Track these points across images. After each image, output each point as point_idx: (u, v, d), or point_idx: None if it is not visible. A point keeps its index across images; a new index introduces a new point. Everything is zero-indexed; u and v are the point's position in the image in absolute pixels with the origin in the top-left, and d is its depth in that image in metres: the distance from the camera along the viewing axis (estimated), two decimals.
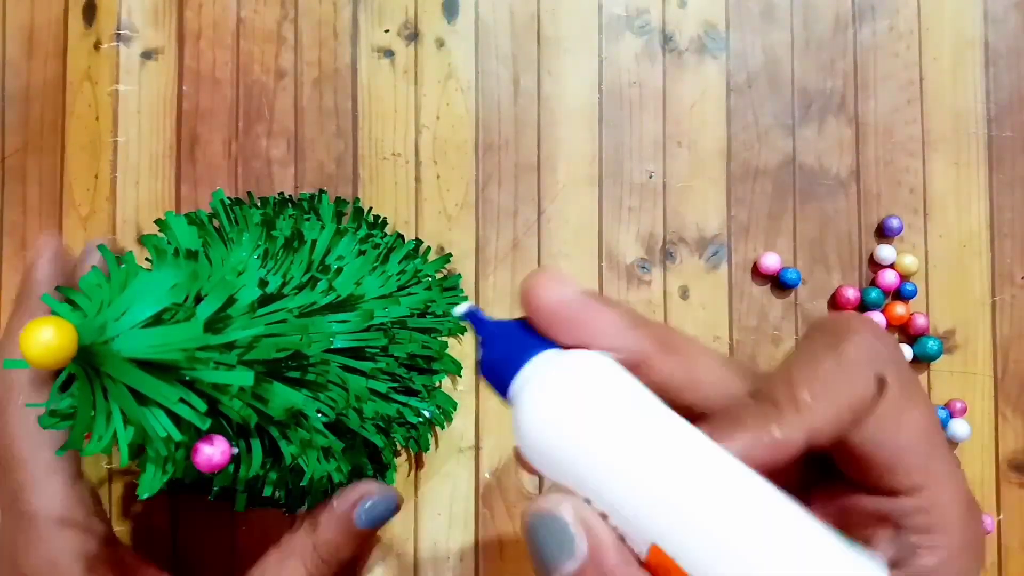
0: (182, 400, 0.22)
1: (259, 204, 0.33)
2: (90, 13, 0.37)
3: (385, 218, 0.35)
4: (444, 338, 0.33)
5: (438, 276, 0.35)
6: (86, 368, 0.21)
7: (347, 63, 0.37)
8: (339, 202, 0.34)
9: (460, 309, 0.20)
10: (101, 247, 0.26)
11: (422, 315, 0.31)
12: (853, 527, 0.18)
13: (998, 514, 0.36)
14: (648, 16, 0.37)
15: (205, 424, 0.22)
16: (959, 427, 0.36)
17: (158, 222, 0.29)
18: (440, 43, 0.37)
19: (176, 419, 0.22)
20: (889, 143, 0.37)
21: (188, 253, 0.25)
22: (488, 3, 0.37)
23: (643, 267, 0.37)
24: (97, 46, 0.37)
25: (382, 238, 0.33)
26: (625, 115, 0.37)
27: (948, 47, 0.38)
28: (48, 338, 0.19)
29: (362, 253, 0.30)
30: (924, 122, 0.37)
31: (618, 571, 0.16)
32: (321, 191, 0.34)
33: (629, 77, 0.37)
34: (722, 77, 0.37)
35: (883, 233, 0.37)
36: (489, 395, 0.36)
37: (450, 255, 0.36)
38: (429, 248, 0.35)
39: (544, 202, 0.37)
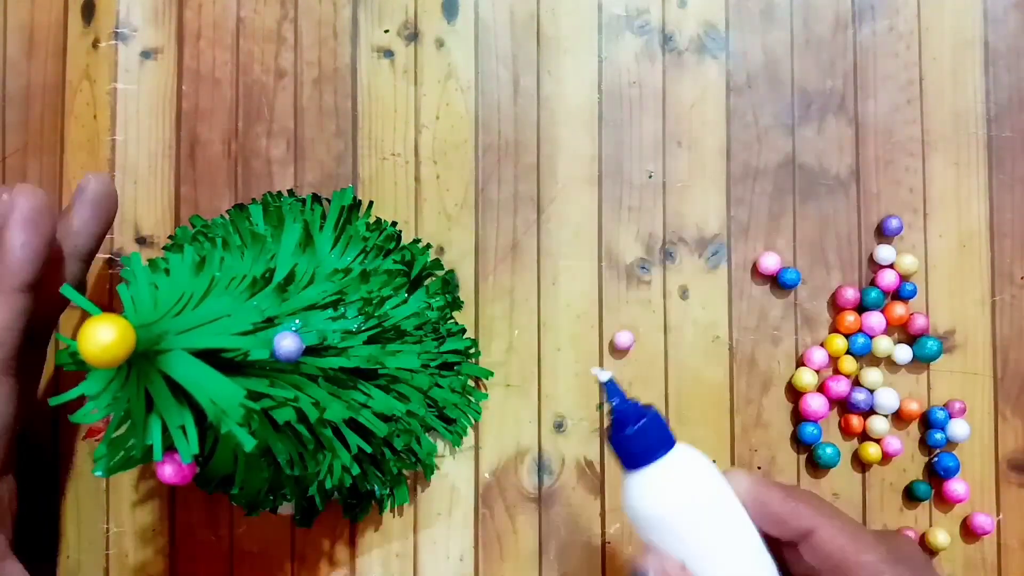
0: (245, 407, 0.22)
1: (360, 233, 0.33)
2: (89, 11, 0.37)
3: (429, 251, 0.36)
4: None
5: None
6: (133, 368, 0.21)
7: (347, 63, 0.37)
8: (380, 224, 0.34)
9: (601, 376, 0.25)
10: (126, 259, 0.26)
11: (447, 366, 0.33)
12: None
13: (998, 514, 0.36)
14: (648, 16, 0.37)
15: (250, 446, 0.22)
16: (959, 427, 0.36)
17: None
18: (440, 43, 0.37)
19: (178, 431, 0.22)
20: (889, 143, 0.37)
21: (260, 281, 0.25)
22: (488, 3, 0.37)
23: (643, 267, 0.37)
24: (95, 44, 0.37)
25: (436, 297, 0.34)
26: (625, 115, 0.37)
27: (948, 47, 0.38)
28: (108, 338, 0.18)
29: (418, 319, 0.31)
30: (924, 122, 0.37)
31: None
32: (396, 228, 0.35)
33: (629, 77, 0.37)
34: (722, 77, 0.37)
35: (883, 233, 0.37)
36: (489, 396, 0.36)
37: (475, 344, 0.36)
38: (462, 303, 0.36)
39: (544, 202, 0.37)
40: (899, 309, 0.36)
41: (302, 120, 0.37)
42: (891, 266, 0.37)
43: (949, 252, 0.37)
